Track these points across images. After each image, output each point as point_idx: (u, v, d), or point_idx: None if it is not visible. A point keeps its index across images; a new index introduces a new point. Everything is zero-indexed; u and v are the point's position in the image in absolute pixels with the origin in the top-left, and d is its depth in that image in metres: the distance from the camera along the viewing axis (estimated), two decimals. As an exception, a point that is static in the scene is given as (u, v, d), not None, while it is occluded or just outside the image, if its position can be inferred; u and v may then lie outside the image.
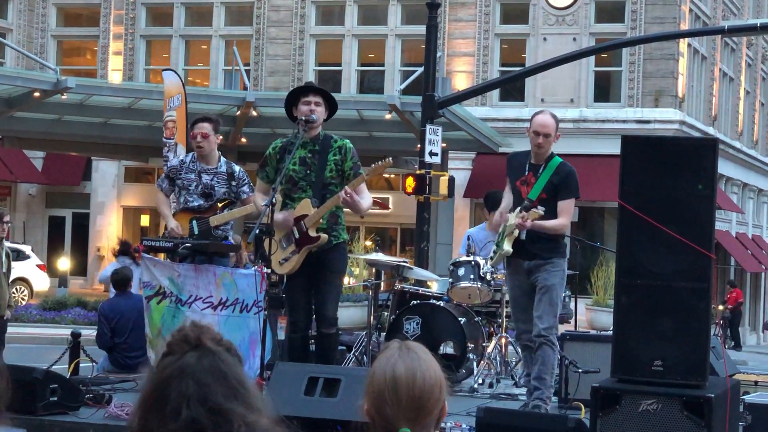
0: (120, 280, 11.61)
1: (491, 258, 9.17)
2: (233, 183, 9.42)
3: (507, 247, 8.64)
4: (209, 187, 9.42)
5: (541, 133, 8.66)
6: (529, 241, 8.59)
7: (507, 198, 8.97)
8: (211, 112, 28.22)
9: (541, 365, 8.52)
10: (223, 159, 9.60)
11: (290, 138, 8.56)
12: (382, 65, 35.76)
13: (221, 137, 9.69)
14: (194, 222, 9.37)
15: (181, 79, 19.84)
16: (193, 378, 2.42)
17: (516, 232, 8.58)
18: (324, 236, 8.44)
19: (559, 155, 8.94)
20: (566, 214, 8.65)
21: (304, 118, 8.49)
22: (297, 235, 8.47)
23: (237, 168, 9.57)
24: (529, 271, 8.65)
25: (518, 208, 8.61)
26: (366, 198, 8.57)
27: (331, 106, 8.75)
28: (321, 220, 8.45)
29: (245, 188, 9.45)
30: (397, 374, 2.75)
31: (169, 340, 2.51)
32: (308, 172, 8.52)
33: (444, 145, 23.06)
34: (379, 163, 8.50)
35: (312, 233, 8.44)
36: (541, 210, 8.45)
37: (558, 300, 8.72)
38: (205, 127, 9.46)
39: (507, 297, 10.46)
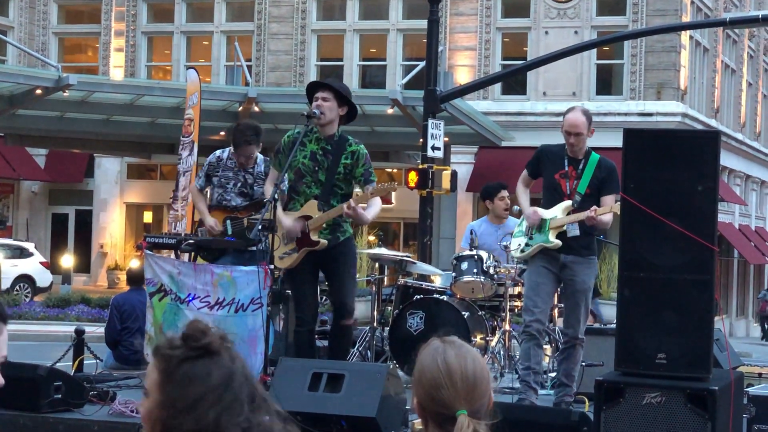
0: (134, 277, 11.67)
1: (522, 251, 8.92)
2: None
3: (554, 239, 8.58)
4: (248, 186, 9.42)
5: (572, 133, 8.62)
6: (570, 236, 8.59)
7: (526, 190, 8.95)
8: (214, 108, 28.29)
9: (573, 364, 8.66)
10: (260, 157, 9.58)
11: (302, 129, 8.49)
12: (384, 60, 35.75)
13: (260, 144, 9.62)
14: (228, 222, 9.38)
15: (198, 77, 19.85)
16: (246, 378, 2.50)
17: (566, 227, 8.56)
18: (323, 242, 8.41)
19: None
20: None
21: (305, 113, 8.46)
22: (299, 235, 8.47)
23: None
24: (564, 266, 8.62)
25: (569, 202, 8.56)
26: (373, 206, 8.46)
27: (345, 100, 8.52)
28: (323, 224, 8.43)
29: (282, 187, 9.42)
30: (449, 360, 2.83)
31: (204, 340, 2.50)
32: (317, 169, 8.45)
33: (446, 139, 23.03)
34: (385, 185, 8.42)
35: (313, 236, 8.41)
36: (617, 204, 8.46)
37: (590, 302, 8.91)
38: (251, 150, 9.45)
39: (514, 289, 10.46)
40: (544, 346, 10.51)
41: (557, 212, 8.64)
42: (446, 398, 2.80)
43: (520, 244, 8.99)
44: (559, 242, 8.60)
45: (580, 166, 8.66)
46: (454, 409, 2.79)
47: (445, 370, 2.81)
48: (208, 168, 9.63)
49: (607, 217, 8.60)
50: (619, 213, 8.69)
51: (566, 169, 8.67)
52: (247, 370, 2.53)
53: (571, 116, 8.73)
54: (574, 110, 8.86)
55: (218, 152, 9.72)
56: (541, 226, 8.69)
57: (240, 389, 2.47)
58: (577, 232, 8.59)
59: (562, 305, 9.56)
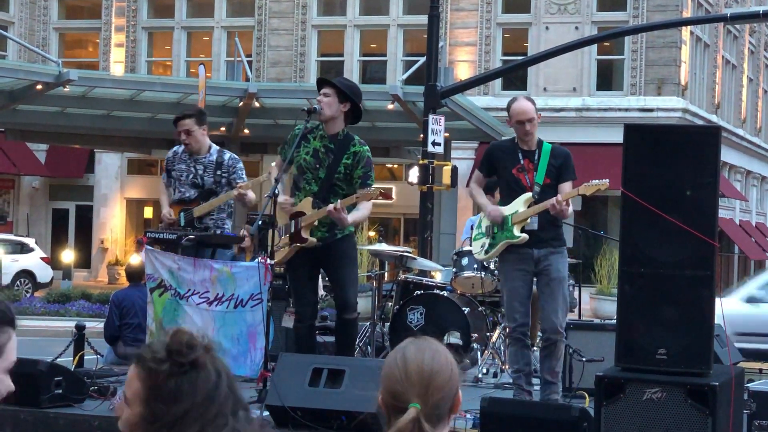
0: (133, 273, 11.67)
1: (486, 252, 8.76)
2: (219, 172, 9.41)
3: (520, 233, 8.44)
4: (199, 177, 9.45)
5: (525, 120, 8.46)
6: (538, 228, 8.48)
7: (480, 189, 8.84)
8: (215, 103, 28.28)
9: (555, 360, 8.51)
10: (214, 148, 9.56)
11: (303, 124, 8.51)
12: (384, 55, 35.73)
13: (205, 128, 9.58)
14: (182, 213, 9.43)
15: (203, 73, 19.92)
16: (230, 388, 2.51)
17: (529, 220, 8.45)
18: (312, 240, 8.43)
19: (563, 144, 8.89)
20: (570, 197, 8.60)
21: (305, 108, 8.52)
22: (292, 230, 8.50)
23: (227, 156, 9.51)
24: (538, 260, 8.48)
25: (528, 194, 8.46)
26: (360, 211, 8.47)
27: (347, 97, 8.53)
28: (315, 223, 8.45)
29: (235, 176, 9.41)
30: (408, 354, 2.84)
31: (191, 355, 2.48)
32: (318, 166, 8.47)
33: (446, 134, 23.03)
34: (369, 190, 8.39)
35: (304, 234, 8.43)
36: (602, 182, 8.36)
37: (567, 292, 8.77)
38: (186, 123, 9.48)
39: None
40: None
41: (518, 206, 8.51)
42: (400, 390, 2.78)
43: (483, 245, 8.80)
44: (525, 236, 8.45)
45: (535, 157, 8.52)
46: (407, 402, 2.76)
47: (402, 363, 2.81)
48: (167, 163, 9.73)
49: (570, 208, 8.53)
50: (588, 195, 8.72)
51: (522, 162, 8.53)
52: (231, 380, 2.53)
53: (518, 105, 8.55)
54: (519, 99, 8.68)
55: (175, 147, 9.78)
56: (502, 223, 8.55)
57: (224, 402, 2.47)
58: (534, 226, 8.45)
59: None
